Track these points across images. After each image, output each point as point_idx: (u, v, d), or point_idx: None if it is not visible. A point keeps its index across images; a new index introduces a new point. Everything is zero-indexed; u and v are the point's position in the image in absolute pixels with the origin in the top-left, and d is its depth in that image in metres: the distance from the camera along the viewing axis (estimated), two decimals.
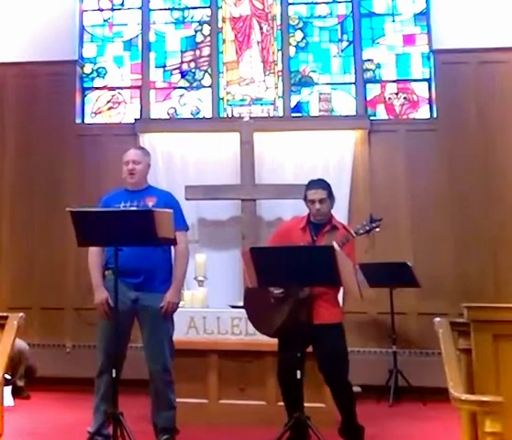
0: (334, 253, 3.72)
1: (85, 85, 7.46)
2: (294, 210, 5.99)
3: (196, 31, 7.44)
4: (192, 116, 7.30)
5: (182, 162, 6.92)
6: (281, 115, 7.16)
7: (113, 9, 7.58)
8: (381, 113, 7.13)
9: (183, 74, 7.40)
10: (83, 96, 7.44)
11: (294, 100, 7.21)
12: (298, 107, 7.22)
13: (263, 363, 4.94)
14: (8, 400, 5.29)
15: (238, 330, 5.05)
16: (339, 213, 6.49)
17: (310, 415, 3.85)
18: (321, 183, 4.31)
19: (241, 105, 7.28)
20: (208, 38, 7.39)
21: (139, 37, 7.45)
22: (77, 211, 3.82)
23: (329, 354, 4.00)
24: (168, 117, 7.31)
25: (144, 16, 7.46)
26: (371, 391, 5.93)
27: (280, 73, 7.23)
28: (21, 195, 7.06)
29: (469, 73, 6.76)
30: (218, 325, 5.18)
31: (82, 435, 4.08)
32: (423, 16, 7.15)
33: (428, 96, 7.06)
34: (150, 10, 7.49)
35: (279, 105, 7.21)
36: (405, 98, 7.13)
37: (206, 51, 7.38)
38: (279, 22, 7.30)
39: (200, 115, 7.30)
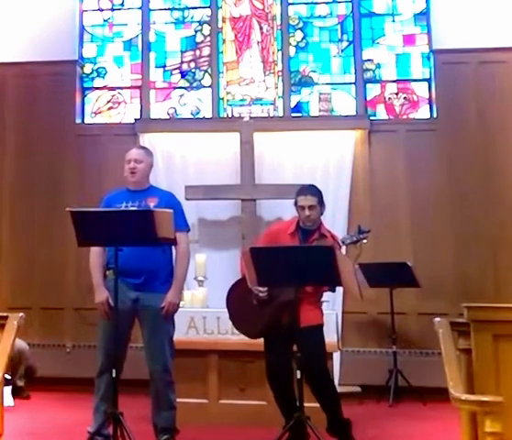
0: (334, 253, 3.72)
1: (85, 85, 7.46)
2: (293, 210, 5.93)
3: (196, 31, 7.44)
4: (192, 116, 7.30)
5: (182, 162, 6.92)
6: (281, 115, 7.16)
7: (113, 9, 7.59)
8: (381, 113, 7.13)
9: (183, 74, 7.40)
10: (83, 96, 7.44)
11: (294, 100, 7.21)
12: (298, 107, 7.22)
13: (263, 363, 4.93)
14: (8, 400, 5.29)
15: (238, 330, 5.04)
16: (339, 213, 6.56)
17: (310, 415, 3.85)
18: (311, 190, 4.31)
19: (241, 105, 7.29)
20: (208, 38, 7.39)
21: (139, 37, 7.46)
22: (77, 211, 3.82)
23: (311, 353, 3.98)
24: (168, 117, 7.32)
25: (144, 16, 7.46)
26: (371, 391, 5.95)
27: (280, 73, 7.24)
28: (21, 195, 7.06)
29: (469, 73, 6.76)
30: (218, 325, 5.18)
31: (82, 435, 4.07)
32: (423, 16, 7.16)
33: (428, 96, 7.06)
34: (150, 10, 7.50)
35: (279, 105, 7.22)
36: (405, 98, 7.13)
37: (206, 51, 7.38)
38: (279, 22, 7.30)
39: (200, 115, 7.30)
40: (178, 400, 4.21)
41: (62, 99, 7.16)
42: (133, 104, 7.40)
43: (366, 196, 6.73)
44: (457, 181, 6.64)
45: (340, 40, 7.24)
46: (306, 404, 3.82)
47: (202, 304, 5.55)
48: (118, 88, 7.45)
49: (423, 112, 7.06)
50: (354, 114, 7.06)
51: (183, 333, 5.00)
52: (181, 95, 7.37)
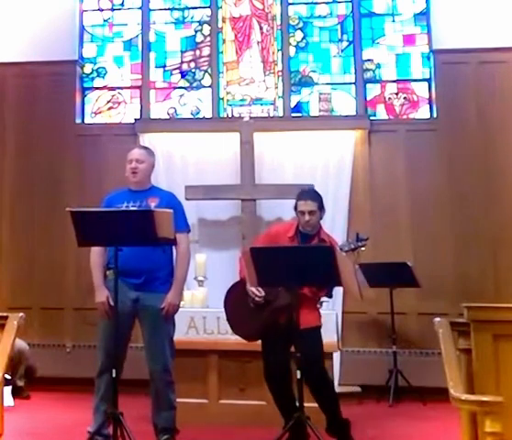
0: (334, 253, 3.72)
1: (85, 85, 7.46)
2: (293, 210, 5.98)
3: (196, 31, 7.44)
4: (192, 116, 7.30)
5: (182, 162, 6.92)
6: (281, 115, 7.16)
7: (113, 9, 7.59)
8: (381, 113, 7.13)
9: (183, 74, 7.40)
10: (83, 96, 7.44)
11: (294, 100, 7.21)
12: (298, 107, 7.22)
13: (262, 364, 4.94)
14: (8, 400, 5.29)
15: None
16: (339, 213, 6.56)
17: (310, 415, 3.85)
18: (312, 195, 4.30)
19: (241, 105, 7.29)
20: (208, 38, 7.39)
21: (139, 37, 7.46)
22: (77, 211, 3.82)
23: (309, 355, 3.99)
24: (168, 117, 7.32)
25: (144, 16, 7.46)
26: (371, 391, 5.95)
27: (280, 73, 7.24)
28: (21, 195, 7.06)
29: (469, 73, 6.76)
30: (218, 325, 5.17)
31: (82, 435, 4.07)
32: (423, 16, 7.16)
33: (428, 96, 7.06)
34: (150, 10, 7.50)
35: (279, 105, 7.22)
36: (405, 98, 7.13)
37: (206, 51, 7.38)
38: (279, 22, 7.30)
39: (200, 115, 7.30)
40: (178, 400, 4.21)
41: (62, 99, 7.16)
42: (133, 104, 7.40)
43: (366, 196, 6.73)
44: (457, 181, 6.64)
45: (340, 40, 7.24)
46: (305, 404, 3.82)
47: (202, 304, 5.55)
48: (118, 88, 7.45)
49: (423, 112, 7.06)
50: (354, 114, 7.06)
51: (183, 333, 5.00)
52: (181, 95, 7.37)
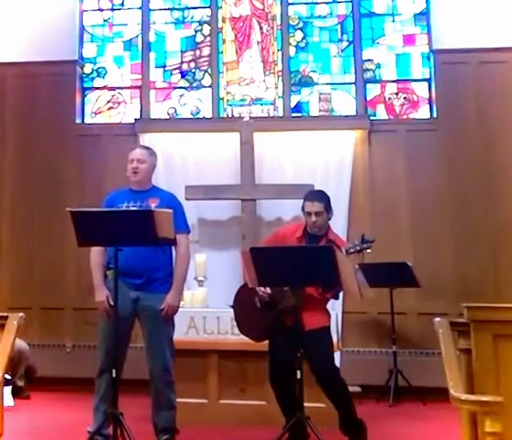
0: (334, 253, 3.72)
1: (85, 85, 7.46)
2: (294, 210, 5.99)
3: (196, 31, 7.44)
4: (192, 116, 7.30)
5: (182, 162, 6.92)
6: (281, 115, 7.16)
7: (113, 9, 7.59)
8: (381, 113, 7.13)
9: (183, 74, 7.40)
10: (83, 96, 7.44)
11: (294, 100, 7.21)
12: (298, 107, 7.22)
13: (263, 363, 4.90)
14: (8, 400, 5.28)
15: (238, 330, 5.04)
16: (339, 213, 6.52)
17: (310, 415, 3.85)
18: (319, 196, 4.29)
19: (241, 105, 7.29)
20: (208, 38, 7.39)
21: (139, 37, 7.46)
22: (77, 211, 3.81)
23: (320, 354, 4.01)
24: (168, 117, 7.32)
25: (144, 16, 7.46)
26: (371, 391, 5.93)
27: (280, 73, 7.24)
28: (21, 195, 7.06)
29: (469, 73, 6.77)
30: (218, 325, 5.17)
31: (82, 435, 4.07)
32: (423, 16, 7.16)
33: (428, 96, 7.06)
34: (150, 10, 7.50)
35: (279, 105, 7.22)
36: (405, 98, 7.13)
37: (206, 51, 7.38)
38: (279, 22, 7.30)
39: (200, 115, 7.30)
40: (178, 400, 4.21)
41: (62, 99, 7.16)
42: (133, 104, 7.40)
43: (366, 196, 6.73)
44: (457, 181, 6.64)
45: (340, 40, 7.24)
46: (305, 404, 3.82)
47: (202, 304, 5.55)
48: (118, 88, 7.45)
49: (423, 112, 7.06)
50: (354, 114, 7.06)
51: (183, 333, 5.00)
52: (181, 95, 7.37)
